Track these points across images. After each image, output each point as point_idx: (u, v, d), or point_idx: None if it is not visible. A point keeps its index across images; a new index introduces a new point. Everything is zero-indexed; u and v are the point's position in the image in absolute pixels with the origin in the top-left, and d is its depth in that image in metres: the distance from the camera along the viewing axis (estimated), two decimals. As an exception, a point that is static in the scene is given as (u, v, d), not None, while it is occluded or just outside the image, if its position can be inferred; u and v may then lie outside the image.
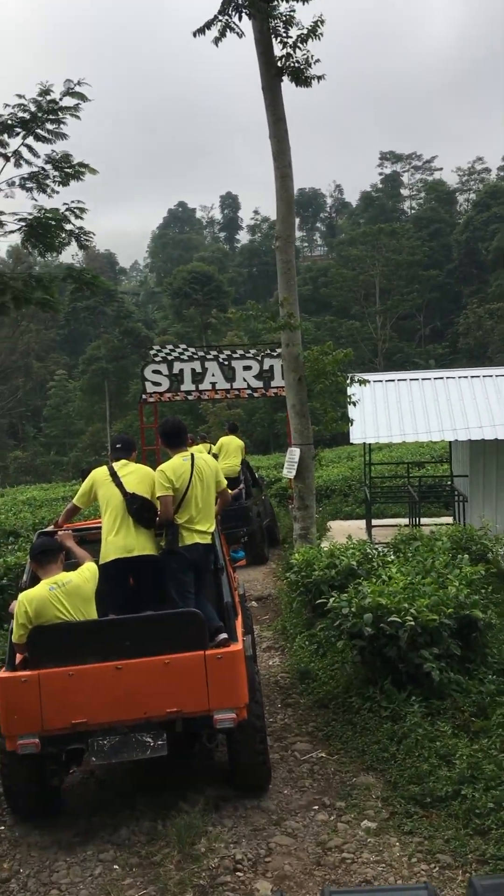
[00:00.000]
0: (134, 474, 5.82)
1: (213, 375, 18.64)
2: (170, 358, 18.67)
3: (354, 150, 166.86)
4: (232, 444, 13.85)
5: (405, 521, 15.62)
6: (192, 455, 5.91)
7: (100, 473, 5.88)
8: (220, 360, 18.68)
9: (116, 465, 5.88)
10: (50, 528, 6.34)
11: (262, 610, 10.57)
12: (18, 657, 5.18)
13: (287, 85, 10.61)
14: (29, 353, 61.75)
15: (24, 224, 17.02)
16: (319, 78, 10.63)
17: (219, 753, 6.07)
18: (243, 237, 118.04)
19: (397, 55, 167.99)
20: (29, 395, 66.79)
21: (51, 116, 17.05)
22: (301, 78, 10.50)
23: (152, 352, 19.12)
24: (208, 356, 18.75)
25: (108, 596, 5.53)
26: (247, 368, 18.66)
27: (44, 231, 17.35)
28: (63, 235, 17.86)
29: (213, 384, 18.66)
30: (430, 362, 61.59)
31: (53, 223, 17.32)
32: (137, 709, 4.97)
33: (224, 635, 5.26)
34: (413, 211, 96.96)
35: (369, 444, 13.43)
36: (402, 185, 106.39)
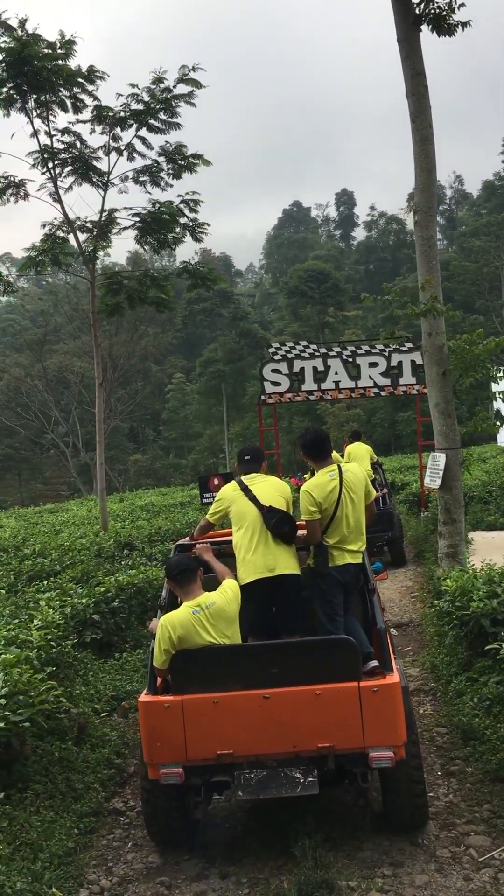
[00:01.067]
0: (267, 487, 5.42)
1: (336, 373, 17.37)
2: (290, 356, 17.52)
3: (476, 137, 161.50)
4: (360, 450, 13.94)
5: None
6: (340, 468, 5.39)
7: (230, 490, 5.49)
8: (344, 357, 17.39)
9: (246, 479, 5.48)
10: (186, 540, 6.01)
11: (403, 639, 9.21)
12: (159, 680, 4.87)
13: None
14: (147, 357, 62.19)
15: (137, 220, 16.33)
16: (464, 25, 9.20)
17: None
18: (359, 234, 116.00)
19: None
20: (148, 399, 67.48)
21: (164, 106, 16.28)
22: (443, 25, 9.10)
23: (271, 350, 18.02)
24: (331, 353, 17.50)
25: (248, 618, 5.12)
26: (373, 365, 17.28)
27: (158, 226, 16.61)
28: (177, 230, 17.07)
29: (337, 383, 17.39)
30: None
31: (168, 216, 16.54)
32: (286, 742, 4.57)
33: (375, 663, 4.83)
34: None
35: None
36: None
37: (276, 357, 17.57)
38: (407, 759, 4.60)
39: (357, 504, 5.29)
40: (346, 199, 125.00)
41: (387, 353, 17.18)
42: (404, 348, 17.12)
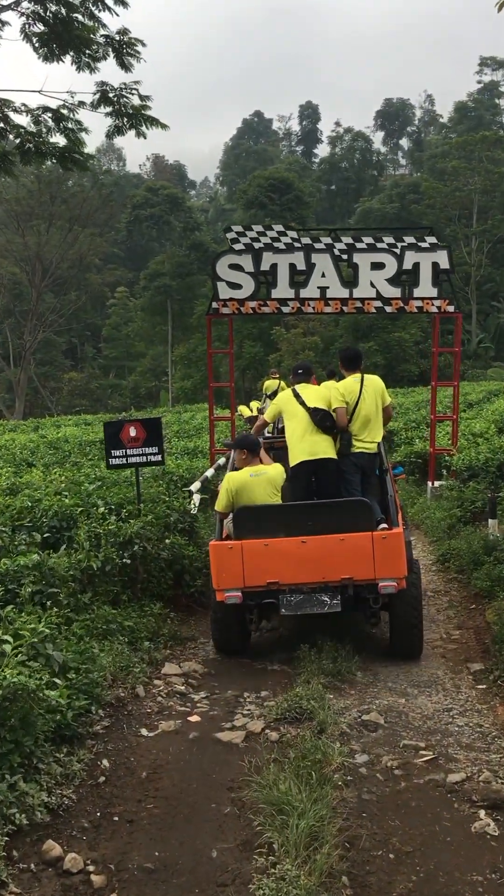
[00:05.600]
0: (312, 392, 7.35)
1: (323, 276, 11.96)
2: (257, 246, 12.00)
3: (451, 56, 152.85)
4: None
5: None
6: (363, 376, 7.37)
7: (286, 395, 7.47)
8: (336, 253, 11.94)
9: (298, 388, 7.38)
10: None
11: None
12: (224, 531, 6.81)
13: None
14: (84, 264, 54.92)
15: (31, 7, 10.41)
16: None
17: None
18: (322, 151, 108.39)
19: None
20: (88, 313, 60.91)
21: None
22: None
23: (231, 235, 12.35)
24: (317, 245, 12.01)
25: (294, 492, 7.12)
26: (377, 267, 11.92)
27: (64, 26, 10.73)
28: (95, 44, 11.20)
29: (323, 290, 11.99)
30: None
31: (79, 7, 10.68)
32: (318, 574, 6.41)
33: (384, 525, 6.66)
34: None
35: None
36: (502, 95, 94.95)
37: (237, 246, 12.05)
38: (408, 589, 6.48)
39: (372, 403, 7.27)
40: (310, 113, 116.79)
41: (398, 251, 11.80)
42: (424, 244, 11.78)
